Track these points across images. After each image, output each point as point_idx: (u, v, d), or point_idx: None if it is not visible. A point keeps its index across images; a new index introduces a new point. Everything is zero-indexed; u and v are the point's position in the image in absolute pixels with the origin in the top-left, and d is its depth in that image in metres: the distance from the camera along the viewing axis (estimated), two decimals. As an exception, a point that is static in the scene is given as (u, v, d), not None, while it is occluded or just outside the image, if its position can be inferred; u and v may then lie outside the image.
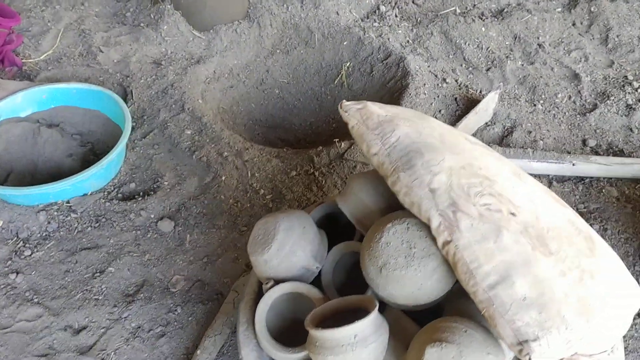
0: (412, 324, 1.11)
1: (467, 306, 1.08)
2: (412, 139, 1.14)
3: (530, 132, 2.05)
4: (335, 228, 1.42)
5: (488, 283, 0.95)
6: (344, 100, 1.26)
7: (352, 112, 1.22)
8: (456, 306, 1.11)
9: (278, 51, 2.47)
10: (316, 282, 1.26)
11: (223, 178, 1.86)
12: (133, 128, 2.01)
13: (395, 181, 1.10)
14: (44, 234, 1.71)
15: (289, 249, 1.20)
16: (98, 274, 1.61)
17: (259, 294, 1.27)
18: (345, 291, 1.26)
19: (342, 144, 1.95)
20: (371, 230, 1.14)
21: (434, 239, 1.05)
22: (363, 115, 1.20)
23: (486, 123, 2.10)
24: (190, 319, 1.53)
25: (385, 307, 1.17)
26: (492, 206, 1.03)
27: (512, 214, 1.03)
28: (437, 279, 1.05)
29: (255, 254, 1.23)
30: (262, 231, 1.25)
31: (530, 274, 0.96)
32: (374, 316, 1.03)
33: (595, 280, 1.00)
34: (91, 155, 1.94)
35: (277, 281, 1.23)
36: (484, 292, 0.95)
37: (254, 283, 1.32)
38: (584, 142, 2.02)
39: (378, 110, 1.22)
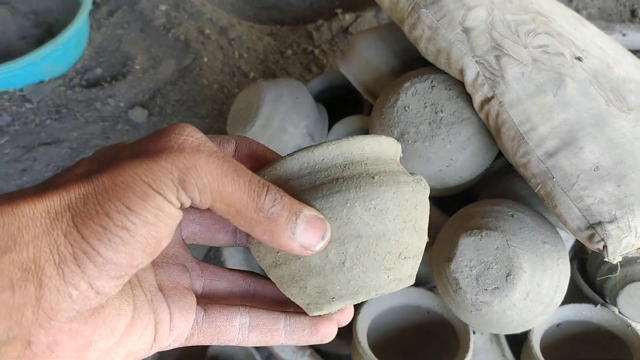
0: (438, 213, 0.86)
1: (512, 186, 0.83)
2: (437, -34, 0.83)
3: (571, 1, 1.74)
4: (343, 108, 1.15)
5: (545, 150, 0.69)
6: None
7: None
8: (497, 188, 0.85)
9: None
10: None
11: (205, 60, 1.56)
12: (98, 5, 1.70)
13: (414, 23, 0.80)
14: (-5, 128, 1.45)
15: (278, 125, 0.94)
16: (60, 172, 1.37)
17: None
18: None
19: (347, 15, 1.63)
20: (384, 93, 0.86)
21: (468, 100, 0.77)
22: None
23: (518, -9, 1.77)
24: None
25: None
26: (551, 48, 0.75)
27: (578, 58, 0.75)
28: (471, 151, 0.78)
29: (236, 133, 0.97)
30: (244, 104, 0.99)
31: (603, 136, 0.69)
32: None
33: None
34: (48, 37, 1.64)
35: (265, 167, 0.98)
36: (540, 163, 0.69)
37: (237, 172, 1.07)
38: (633, 12, 1.74)
39: None
